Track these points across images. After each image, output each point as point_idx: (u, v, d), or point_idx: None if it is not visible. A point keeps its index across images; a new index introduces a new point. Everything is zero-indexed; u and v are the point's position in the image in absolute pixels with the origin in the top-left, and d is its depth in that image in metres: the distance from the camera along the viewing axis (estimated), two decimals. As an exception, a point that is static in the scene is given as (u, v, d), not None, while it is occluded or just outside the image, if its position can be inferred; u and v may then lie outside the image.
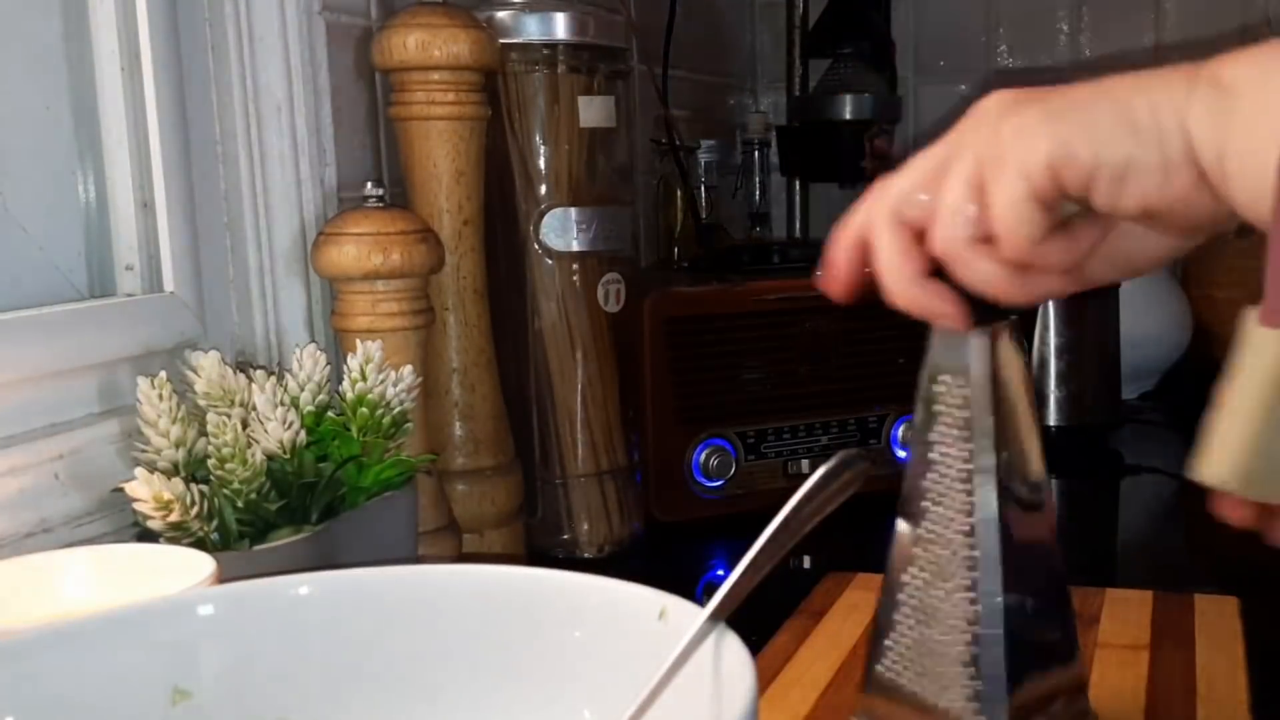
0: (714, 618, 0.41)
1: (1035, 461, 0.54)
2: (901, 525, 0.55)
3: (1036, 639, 0.53)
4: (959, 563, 0.53)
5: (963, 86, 1.72)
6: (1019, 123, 0.46)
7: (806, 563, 0.94)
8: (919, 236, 0.49)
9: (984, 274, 0.47)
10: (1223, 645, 0.72)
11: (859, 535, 1.00)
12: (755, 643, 0.40)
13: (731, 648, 0.40)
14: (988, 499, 0.52)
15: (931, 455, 0.53)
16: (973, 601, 0.52)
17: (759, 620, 0.63)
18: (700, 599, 0.42)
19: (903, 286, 0.49)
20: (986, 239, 0.47)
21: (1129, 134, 0.44)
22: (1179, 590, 0.79)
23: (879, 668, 0.56)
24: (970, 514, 0.52)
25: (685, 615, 0.42)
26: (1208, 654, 0.70)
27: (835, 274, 0.51)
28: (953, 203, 0.47)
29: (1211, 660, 0.70)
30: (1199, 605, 0.77)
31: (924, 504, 0.54)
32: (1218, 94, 0.43)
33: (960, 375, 0.52)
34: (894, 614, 0.55)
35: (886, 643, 0.56)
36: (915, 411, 0.54)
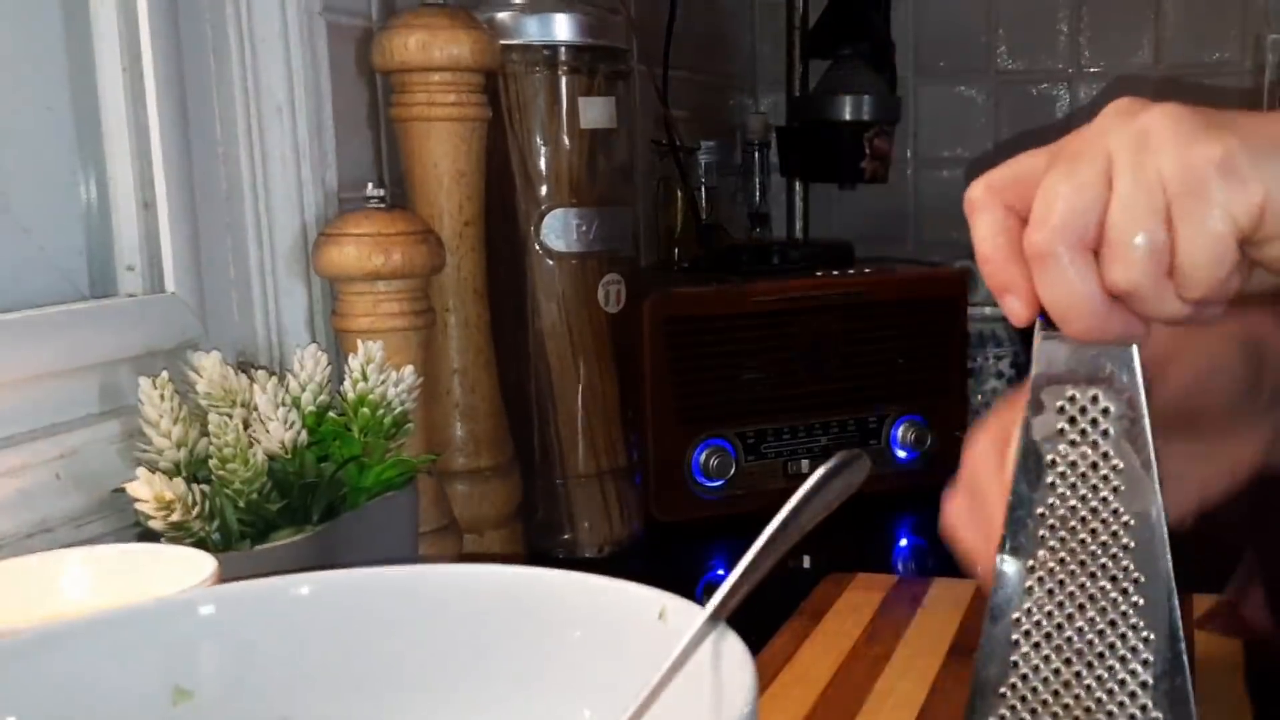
0: (714, 618, 0.41)
1: None
2: (1007, 562, 0.50)
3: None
4: (1109, 590, 0.50)
5: (962, 86, 1.72)
6: (1219, 157, 0.42)
7: (806, 563, 0.94)
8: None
9: (1171, 310, 0.44)
10: (1223, 645, 0.72)
11: (859, 535, 1.01)
12: (755, 643, 0.40)
13: (731, 648, 0.40)
14: (1159, 514, 0.49)
15: (1049, 478, 0.49)
16: (1137, 629, 0.50)
17: (759, 620, 0.63)
18: (700, 599, 0.42)
19: (1094, 316, 0.45)
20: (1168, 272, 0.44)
21: None
22: (1178, 590, 0.79)
23: None
24: (1122, 535, 0.49)
25: (685, 615, 0.42)
26: (1208, 654, 0.70)
27: (1022, 299, 0.47)
28: (1142, 239, 0.43)
29: (1212, 660, 0.70)
30: (1199, 605, 0.77)
31: (1040, 533, 0.50)
32: None
33: (1095, 385, 0.48)
34: (1008, 658, 0.51)
35: (1002, 691, 0.51)
36: (1023, 435, 0.49)
